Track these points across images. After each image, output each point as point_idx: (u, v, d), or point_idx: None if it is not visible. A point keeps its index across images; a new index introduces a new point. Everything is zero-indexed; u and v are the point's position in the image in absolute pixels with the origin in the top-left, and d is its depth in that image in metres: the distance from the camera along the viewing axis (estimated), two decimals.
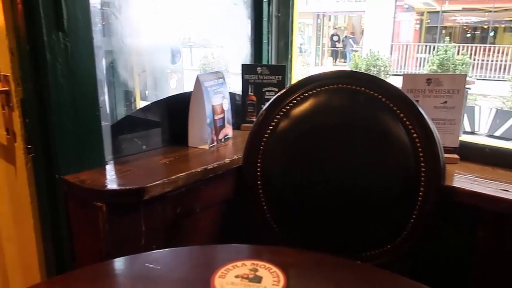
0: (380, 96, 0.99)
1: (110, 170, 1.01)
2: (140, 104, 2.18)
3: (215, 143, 1.24)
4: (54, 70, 0.91)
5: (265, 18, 1.52)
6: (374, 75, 1.10)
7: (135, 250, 0.96)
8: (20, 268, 1.26)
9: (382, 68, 10.94)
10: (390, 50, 13.79)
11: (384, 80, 1.02)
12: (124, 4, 1.26)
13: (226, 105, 1.30)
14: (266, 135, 1.03)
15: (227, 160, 1.11)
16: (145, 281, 0.69)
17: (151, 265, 0.70)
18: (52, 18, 0.89)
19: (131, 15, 1.26)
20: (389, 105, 0.98)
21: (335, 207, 0.98)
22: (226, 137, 1.31)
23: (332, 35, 17.05)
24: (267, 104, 1.05)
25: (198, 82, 1.18)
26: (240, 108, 1.45)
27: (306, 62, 13.48)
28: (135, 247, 0.96)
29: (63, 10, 0.90)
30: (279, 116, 1.03)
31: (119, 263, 0.79)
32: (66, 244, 1.00)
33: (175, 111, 1.25)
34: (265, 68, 1.42)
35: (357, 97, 1.01)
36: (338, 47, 16.70)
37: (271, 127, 1.03)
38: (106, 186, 0.91)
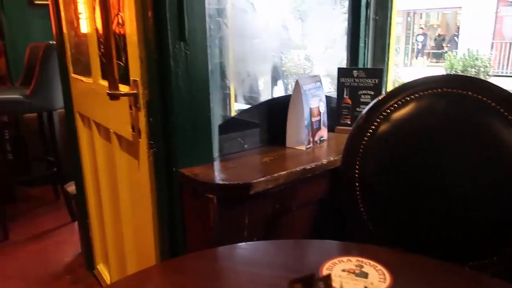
0: (489, 101, 0.95)
1: (218, 166, 1.12)
2: (235, 106, 2.31)
3: (311, 145, 1.29)
4: (176, 76, 1.03)
5: (362, 21, 1.53)
6: (482, 78, 1.05)
7: (238, 241, 1.05)
8: (136, 250, 1.43)
9: (482, 69, 10.02)
10: (490, 49, 12.59)
11: (493, 84, 0.98)
12: (233, 14, 1.37)
13: (323, 108, 1.34)
14: (365, 138, 1.05)
15: (324, 161, 1.15)
16: (255, 267, 0.76)
17: (259, 254, 0.77)
18: (176, 30, 1.01)
19: (237, 22, 1.36)
20: (499, 110, 0.94)
21: (438, 212, 0.96)
22: (322, 139, 1.35)
23: (418, 35, 16.04)
24: (367, 108, 1.07)
25: (297, 86, 1.24)
26: (334, 110, 1.48)
27: (395, 63, 12.88)
28: (239, 238, 1.04)
29: (185, 23, 1.01)
30: (379, 120, 1.04)
31: (228, 249, 0.87)
32: (180, 231, 1.12)
33: (274, 113, 1.32)
34: (361, 72, 1.43)
35: (463, 101, 0.98)
36: (426, 48, 15.67)
37: (371, 130, 1.04)
38: (217, 180, 1.01)
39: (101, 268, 1.92)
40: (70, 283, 2.01)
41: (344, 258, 0.71)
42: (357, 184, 1.05)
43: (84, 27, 1.54)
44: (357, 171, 1.05)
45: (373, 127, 1.04)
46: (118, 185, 1.46)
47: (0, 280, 2.06)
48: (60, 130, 2.61)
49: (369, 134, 1.04)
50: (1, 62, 3.22)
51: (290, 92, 1.33)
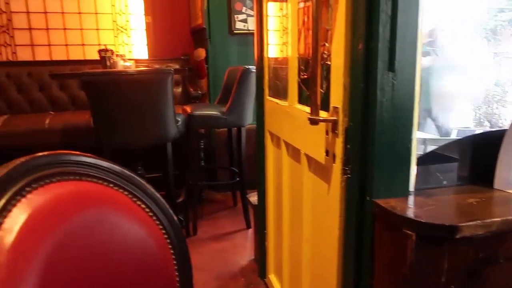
0: None
1: (415, 201, 1.06)
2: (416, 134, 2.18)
3: None
4: (381, 106, 1.03)
5: None
6: None
7: (434, 285, 0.97)
8: (313, 270, 1.47)
9: None
10: None
11: None
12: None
13: None
14: None
15: None
16: None
17: None
18: (386, 60, 1.01)
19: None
20: None
21: None
22: None
23: None
24: None
25: None
26: None
27: None
28: (435, 283, 0.96)
29: (396, 54, 1.01)
30: None
31: None
32: (367, 261, 1.10)
33: (480, 149, 1.19)
34: None
35: None
36: None
37: None
38: (417, 216, 0.96)
39: (273, 278, 2.04)
40: (243, 285, 2.19)
41: None
42: None
43: (286, 54, 1.69)
44: None
45: None
46: (302, 204, 1.53)
47: None
48: (245, 144, 2.91)
49: None
50: (204, 82, 3.81)
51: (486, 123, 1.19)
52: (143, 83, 2.15)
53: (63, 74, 3.26)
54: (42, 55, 4.09)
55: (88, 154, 0.70)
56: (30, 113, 3.76)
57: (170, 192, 2.45)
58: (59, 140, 3.09)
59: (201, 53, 3.68)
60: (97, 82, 2.13)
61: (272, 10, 1.93)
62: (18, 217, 0.51)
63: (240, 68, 2.76)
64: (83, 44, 4.19)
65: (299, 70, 1.51)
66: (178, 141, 2.59)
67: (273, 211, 1.99)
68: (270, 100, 1.93)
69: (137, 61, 3.58)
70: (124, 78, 2.15)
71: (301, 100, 1.52)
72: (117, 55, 3.07)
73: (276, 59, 1.91)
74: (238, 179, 2.97)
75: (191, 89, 3.86)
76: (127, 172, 0.71)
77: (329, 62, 1.26)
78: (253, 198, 2.29)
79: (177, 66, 3.96)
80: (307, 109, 1.42)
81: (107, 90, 2.14)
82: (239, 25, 3.68)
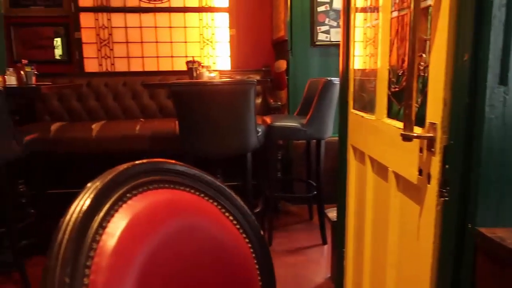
0: None
1: None
2: None
3: None
4: (490, 123, 0.92)
5: None
6: None
7: None
8: None
9: None
10: None
11: None
12: None
13: None
14: None
15: None
16: None
17: None
18: (498, 73, 0.91)
19: None
20: None
21: None
22: None
23: None
24: None
25: None
26: None
27: None
28: None
29: (509, 65, 0.90)
30: None
31: None
32: None
33: None
34: None
35: None
36: None
37: None
38: None
39: None
40: None
41: None
42: None
43: (372, 66, 1.61)
44: None
45: None
46: (387, 225, 1.43)
47: None
48: (324, 157, 2.84)
49: None
50: (284, 93, 3.82)
51: None
52: (228, 94, 2.20)
53: (154, 84, 3.49)
54: (136, 66, 4.44)
55: (181, 163, 0.71)
56: (123, 120, 4.08)
57: (248, 202, 2.47)
58: (147, 146, 3.30)
59: (282, 64, 3.70)
60: (185, 92, 2.24)
61: (358, 21, 1.87)
62: (119, 222, 0.54)
63: (322, 80, 2.72)
64: (172, 56, 4.46)
65: (390, 82, 1.43)
66: (256, 151, 2.61)
67: (353, 229, 1.90)
68: (354, 113, 1.85)
69: (220, 72, 3.71)
70: (210, 89, 2.23)
71: (390, 115, 1.44)
72: (202, 66, 3.21)
73: (362, 70, 1.83)
74: (315, 192, 2.90)
75: (271, 100, 3.89)
76: (217, 182, 0.72)
77: (425, 74, 1.17)
78: (331, 213, 2.21)
79: (258, 77, 4.03)
80: (397, 124, 1.33)
81: (194, 100, 2.23)
82: (321, 37, 3.64)
